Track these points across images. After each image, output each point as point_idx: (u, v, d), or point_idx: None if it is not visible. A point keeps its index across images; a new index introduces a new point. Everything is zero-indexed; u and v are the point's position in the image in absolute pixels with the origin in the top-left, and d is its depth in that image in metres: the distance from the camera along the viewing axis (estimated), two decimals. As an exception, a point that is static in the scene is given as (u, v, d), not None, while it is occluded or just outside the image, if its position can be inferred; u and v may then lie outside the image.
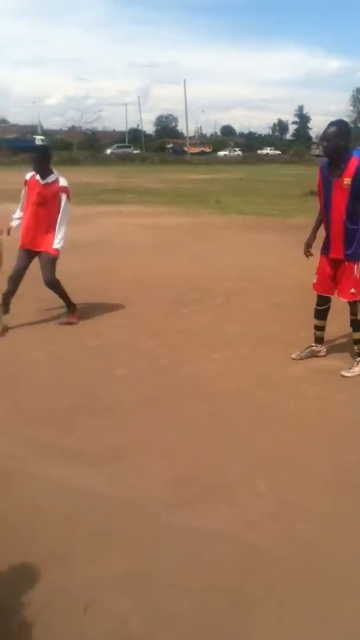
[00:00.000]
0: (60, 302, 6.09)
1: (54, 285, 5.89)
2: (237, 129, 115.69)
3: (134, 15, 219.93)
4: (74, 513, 2.91)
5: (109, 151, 60.46)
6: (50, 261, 5.75)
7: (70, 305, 6.07)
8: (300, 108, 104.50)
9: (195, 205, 17.07)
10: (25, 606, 2.33)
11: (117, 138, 78.17)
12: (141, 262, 9.12)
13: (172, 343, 5.44)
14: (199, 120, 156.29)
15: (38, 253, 5.82)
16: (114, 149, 64.72)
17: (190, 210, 15.90)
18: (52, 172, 5.75)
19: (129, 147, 67.62)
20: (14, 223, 5.87)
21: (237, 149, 75.61)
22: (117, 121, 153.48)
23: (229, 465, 3.39)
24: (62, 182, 5.73)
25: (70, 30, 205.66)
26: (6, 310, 5.82)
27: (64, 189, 5.72)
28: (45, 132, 70.29)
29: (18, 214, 5.89)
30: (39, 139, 55.23)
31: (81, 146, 63.88)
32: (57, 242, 5.70)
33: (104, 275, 8.11)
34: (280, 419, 3.97)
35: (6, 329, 5.71)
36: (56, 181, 5.71)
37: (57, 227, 5.70)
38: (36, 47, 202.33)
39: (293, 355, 5.02)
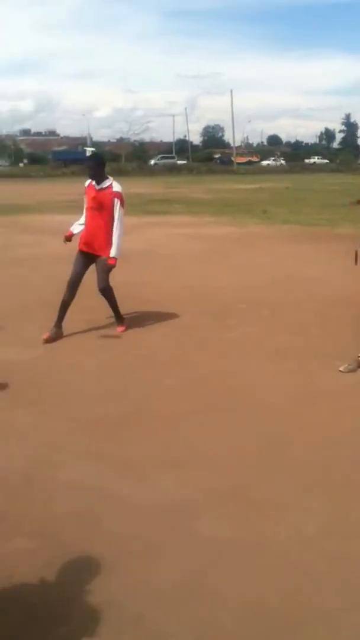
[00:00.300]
0: (109, 312, 6.16)
1: (107, 292, 5.98)
2: (284, 138, 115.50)
3: (181, 26, 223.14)
4: (123, 525, 2.92)
5: (152, 162, 61.05)
6: (106, 268, 5.86)
7: (118, 315, 6.14)
8: (348, 116, 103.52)
9: (241, 215, 17.03)
10: (75, 616, 2.35)
11: (164, 149, 78.99)
12: (188, 273, 9.15)
13: (219, 354, 5.43)
14: (245, 130, 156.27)
15: (95, 258, 5.94)
16: (158, 159, 65.38)
17: (236, 220, 15.87)
18: (107, 178, 5.90)
19: (173, 157, 68.25)
20: (74, 229, 6.04)
21: (280, 158, 75.37)
22: (165, 132, 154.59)
23: (277, 480, 3.35)
24: (116, 187, 5.85)
25: (118, 43, 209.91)
26: (59, 324, 5.90)
27: (117, 194, 5.83)
28: (94, 144, 71.50)
29: (81, 220, 6.04)
30: (89, 150, 56.12)
31: (129, 157, 64.83)
32: (113, 251, 5.82)
33: (151, 285, 8.17)
34: (331, 433, 3.90)
35: (60, 335, 5.83)
36: (110, 186, 5.85)
37: (112, 234, 5.82)
38: (85, 60, 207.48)
39: (341, 368, 4.94)
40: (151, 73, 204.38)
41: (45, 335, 5.76)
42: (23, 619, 2.35)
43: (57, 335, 5.82)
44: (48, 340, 5.71)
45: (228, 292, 7.79)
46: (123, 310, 6.21)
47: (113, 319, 6.20)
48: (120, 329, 6.09)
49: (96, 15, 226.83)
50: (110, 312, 6.16)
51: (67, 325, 5.99)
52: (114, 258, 5.82)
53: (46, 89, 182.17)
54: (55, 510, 3.06)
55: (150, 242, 11.89)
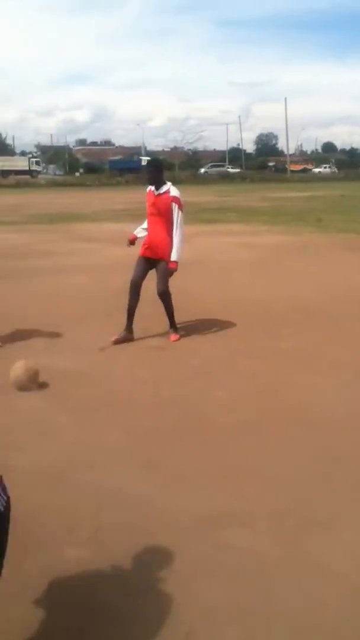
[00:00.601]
0: (164, 320, 6.17)
1: (165, 296, 6.02)
2: (339, 145, 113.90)
3: (234, 35, 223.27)
4: (173, 538, 2.88)
5: (202, 170, 61.12)
6: (166, 272, 5.93)
7: (173, 323, 6.14)
8: None
9: (296, 224, 16.84)
10: (127, 633, 2.32)
11: (218, 157, 79.18)
12: (242, 282, 9.09)
13: (273, 365, 5.34)
14: (299, 137, 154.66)
15: (155, 263, 6.00)
16: (208, 167, 65.46)
17: (291, 229, 15.69)
18: (165, 183, 5.97)
19: (223, 165, 68.20)
20: (138, 233, 6.17)
21: (333, 165, 74.44)
22: (218, 141, 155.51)
23: (333, 497, 3.24)
24: (173, 192, 5.93)
25: (173, 53, 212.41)
26: (129, 327, 6.02)
27: (174, 199, 5.90)
28: (148, 153, 72.27)
29: (145, 224, 6.14)
30: (144, 160, 56.80)
31: (182, 166, 65.19)
32: (173, 255, 5.89)
33: (204, 294, 8.14)
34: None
35: (130, 338, 5.96)
36: (167, 191, 5.92)
37: (173, 239, 5.89)
38: (140, 70, 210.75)
39: None
40: (205, 82, 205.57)
41: (114, 338, 5.90)
42: (82, 623, 2.35)
43: (125, 338, 5.95)
44: (117, 342, 5.86)
45: (282, 301, 7.68)
46: (176, 319, 6.20)
47: (167, 328, 6.20)
48: (173, 337, 6.08)
49: (151, 26, 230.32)
50: (165, 321, 6.17)
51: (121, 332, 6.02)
52: (175, 262, 5.89)
53: (102, 99, 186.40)
54: (105, 520, 3.05)
55: (203, 251, 11.87)
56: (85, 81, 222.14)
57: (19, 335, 6.10)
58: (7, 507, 1.88)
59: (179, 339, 6.08)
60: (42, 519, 2.98)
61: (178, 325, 6.22)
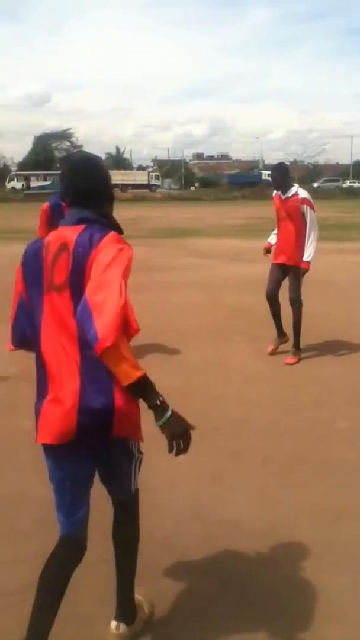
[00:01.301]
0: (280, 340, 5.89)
1: (296, 303, 5.90)
2: None
3: (358, 45, 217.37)
4: (297, 569, 2.71)
5: (315, 185, 59.58)
6: (298, 276, 5.82)
7: (297, 339, 5.94)
8: None
9: None
10: None
11: (340, 171, 77.07)
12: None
13: None
14: None
15: (288, 269, 5.88)
16: (321, 182, 63.75)
17: None
18: (291, 186, 5.82)
19: (338, 180, 66.12)
20: (272, 240, 6.11)
21: None
22: (341, 154, 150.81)
23: None
24: (302, 193, 5.78)
25: (294, 64, 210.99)
26: (281, 333, 6.02)
27: (305, 200, 5.76)
28: (266, 167, 71.83)
29: (276, 230, 6.06)
30: (265, 174, 56.57)
31: (302, 180, 64.12)
32: (306, 255, 5.75)
33: (326, 316, 7.72)
34: None
35: (285, 340, 5.98)
36: (296, 194, 5.76)
37: (305, 239, 5.75)
38: (260, 82, 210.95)
39: None
40: (328, 93, 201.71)
41: (270, 348, 6.00)
42: None
43: (280, 342, 6.04)
44: (273, 352, 5.97)
45: None
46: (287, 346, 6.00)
47: (283, 351, 5.95)
48: (290, 360, 5.83)
49: (273, 38, 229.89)
50: (279, 341, 5.96)
51: (235, 353, 5.86)
52: (307, 262, 5.74)
53: (220, 113, 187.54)
54: (215, 548, 2.92)
55: (324, 270, 11.37)
56: (204, 95, 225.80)
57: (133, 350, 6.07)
58: None
59: (297, 361, 5.81)
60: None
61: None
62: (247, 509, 3.27)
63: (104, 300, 1.81)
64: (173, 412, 1.91)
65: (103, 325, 1.77)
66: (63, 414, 1.93)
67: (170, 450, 1.91)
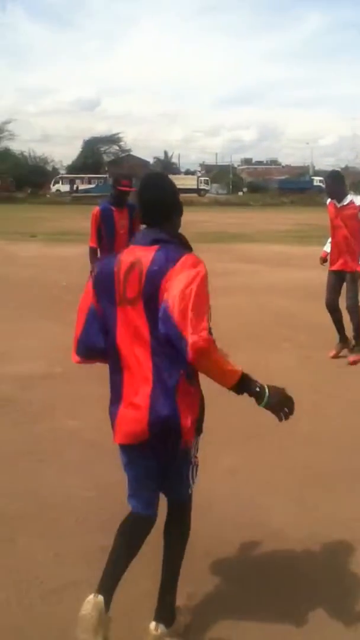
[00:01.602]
0: (322, 347, 5.87)
1: (353, 309, 5.86)
2: None
3: None
4: (336, 588, 2.63)
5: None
6: (353, 281, 5.78)
7: (359, 341, 5.93)
8: None
9: None
10: None
11: (393, 177, 75.42)
12: None
13: None
14: None
15: (346, 274, 5.86)
16: None
17: None
18: (346, 194, 5.80)
19: None
20: (327, 248, 6.10)
21: None
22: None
23: None
24: (359, 202, 5.72)
25: (347, 69, 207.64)
26: (343, 337, 6.01)
27: None
28: (317, 173, 71.01)
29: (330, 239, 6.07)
30: (317, 180, 55.97)
31: (354, 187, 63.08)
32: None
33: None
34: None
35: (346, 346, 5.97)
36: (352, 202, 5.74)
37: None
38: (312, 87, 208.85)
39: None
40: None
41: (332, 353, 5.95)
42: None
43: (342, 347, 5.99)
44: (335, 356, 5.94)
45: None
46: (346, 352, 5.92)
47: (327, 358, 5.89)
48: (353, 359, 5.85)
49: (325, 43, 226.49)
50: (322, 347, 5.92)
51: (280, 359, 5.80)
52: None
53: (270, 118, 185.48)
54: (260, 559, 2.90)
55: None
56: (254, 100, 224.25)
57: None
58: None
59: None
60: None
61: (342, 356, 5.92)
62: (286, 517, 3.22)
63: (192, 319, 1.96)
64: (269, 389, 2.11)
65: (195, 340, 1.94)
66: (138, 418, 2.10)
67: (280, 420, 2.17)
